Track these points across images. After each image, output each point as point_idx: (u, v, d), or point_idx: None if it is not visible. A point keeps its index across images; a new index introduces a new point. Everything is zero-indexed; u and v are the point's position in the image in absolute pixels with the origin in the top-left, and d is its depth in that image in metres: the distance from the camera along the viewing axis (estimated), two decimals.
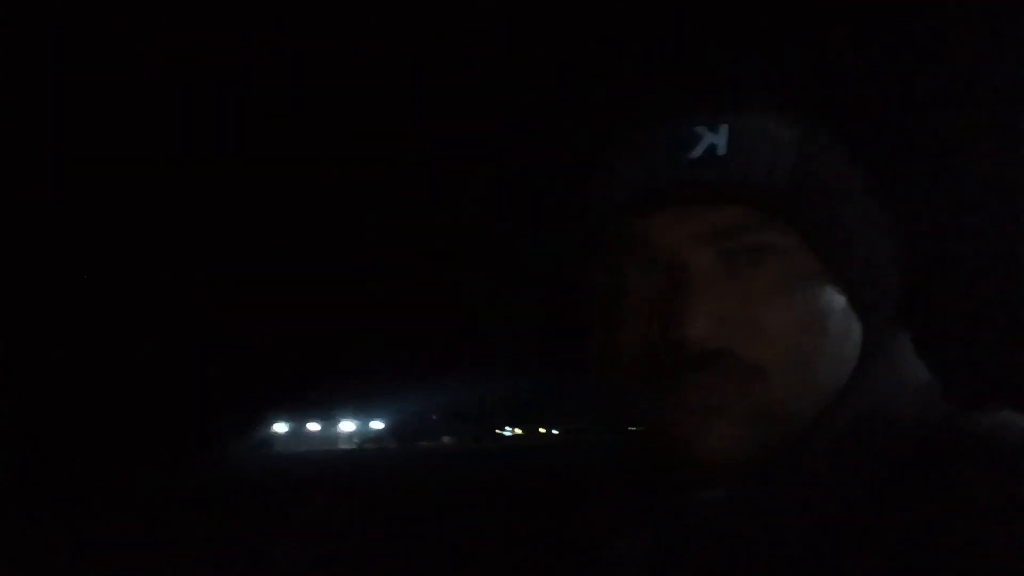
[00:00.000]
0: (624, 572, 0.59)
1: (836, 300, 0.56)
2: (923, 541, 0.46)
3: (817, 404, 0.55)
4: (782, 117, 0.58)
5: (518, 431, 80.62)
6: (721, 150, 0.55)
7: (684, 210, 0.55)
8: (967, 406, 0.55)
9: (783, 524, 0.52)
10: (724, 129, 0.56)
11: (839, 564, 0.49)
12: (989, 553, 0.44)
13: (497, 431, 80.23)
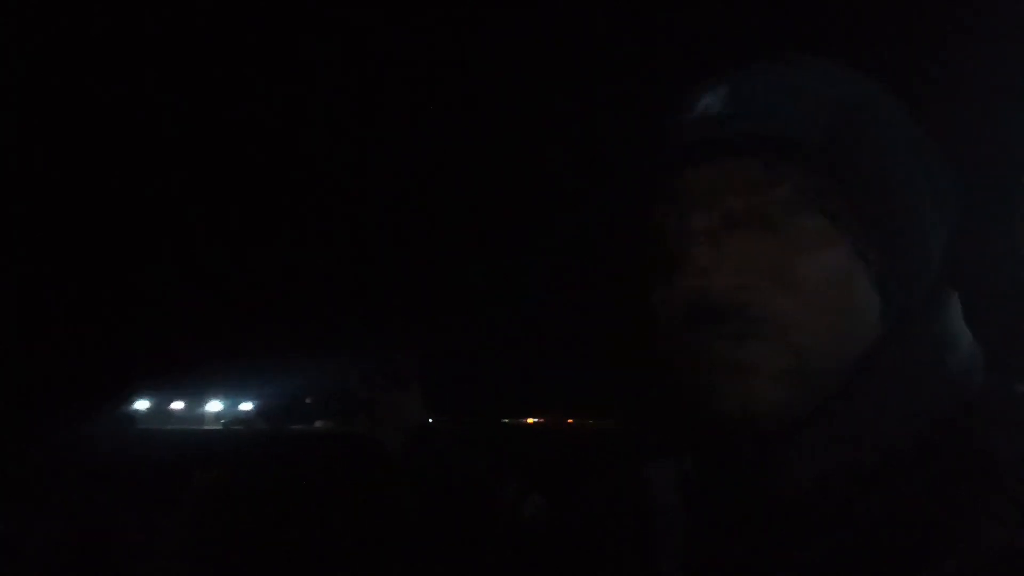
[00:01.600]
0: (663, 521, 0.60)
1: (869, 259, 0.55)
2: (957, 504, 0.48)
3: (846, 363, 0.54)
4: (821, 70, 0.58)
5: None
6: (757, 103, 0.56)
7: (719, 163, 0.56)
8: (1010, 376, 0.55)
9: (817, 481, 0.52)
10: (759, 82, 0.57)
11: (874, 523, 0.50)
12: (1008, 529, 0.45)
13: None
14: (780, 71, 0.58)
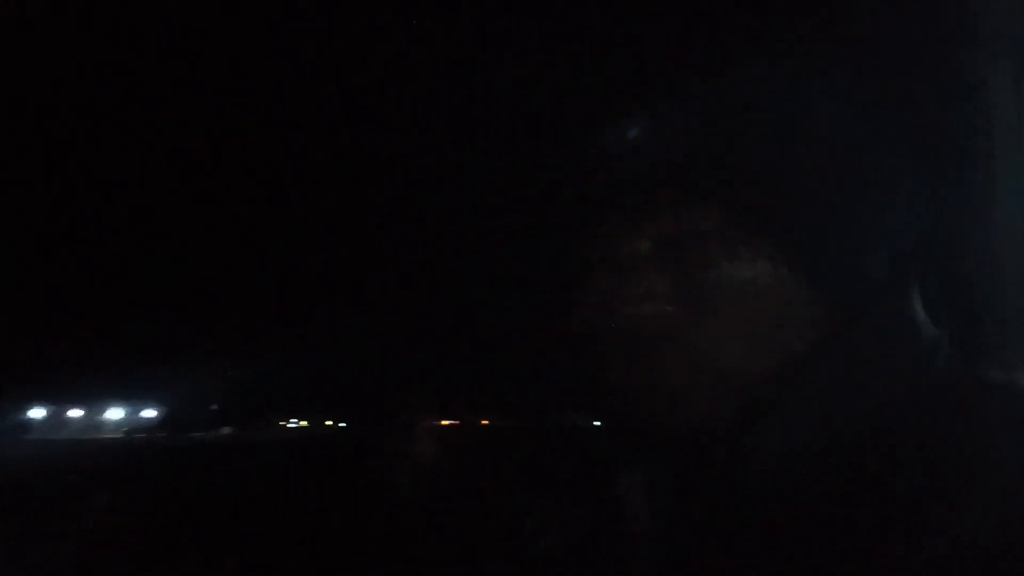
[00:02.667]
0: (622, 516, 0.62)
1: (790, 268, 0.57)
2: (928, 484, 0.49)
3: (783, 363, 0.56)
4: (706, 96, 0.59)
5: (303, 423, 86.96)
6: (647, 143, 0.59)
7: (625, 201, 0.59)
8: (976, 361, 0.58)
9: (782, 466, 0.54)
10: (649, 122, 0.60)
11: (845, 508, 0.51)
12: (995, 496, 0.47)
13: (281, 423, 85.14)
14: (690, 99, 0.60)
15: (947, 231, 0.63)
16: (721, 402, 0.56)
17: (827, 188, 0.60)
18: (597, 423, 0.73)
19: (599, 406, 0.68)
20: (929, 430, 0.53)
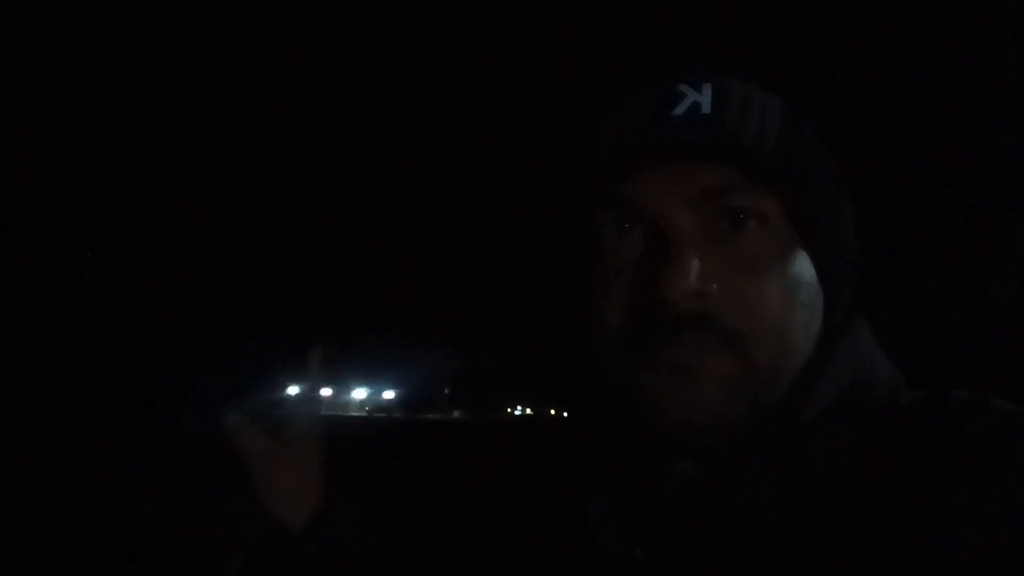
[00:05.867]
0: (598, 537, 0.58)
1: (808, 272, 0.56)
2: (900, 514, 0.47)
3: (788, 375, 0.55)
4: (764, 86, 0.58)
5: (528, 411, 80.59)
6: (705, 108, 0.55)
7: (667, 169, 0.55)
8: (928, 389, 0.55)
9: (760, 493, 0.52)
10: (707, 88, 0.56)
11: (817, 535, 0.49)
12: (963, 527, 0.45)
13: (508, 410, 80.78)
14: (727, 81, 0.57)
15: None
16: (716, 411, 0.53)
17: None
18: None
19: None
20: (903, 457, 0.50)
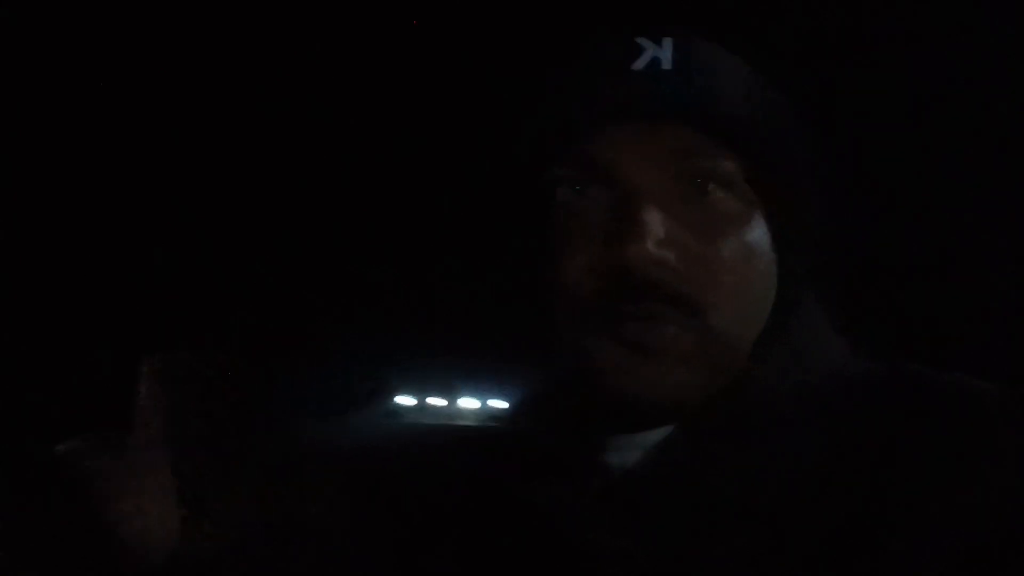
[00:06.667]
0: (551, 518, 0.55)
1: (767, 240, 0.53)
2: (864, 485, 0.47)
3: (745, 346, 0.53)
4: (732, 47, 0.54)
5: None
6: (666, 64, 0.52)
7: (625, 127, 0.51)
8: (878, 362, 0.55)
9: (721, 468, 0.51)
10: (668, 43, 0.52)
11: (780, 510, 0.48)
12: (921, 498, 0.46)
13: None
14: (690, 37, 0.54)
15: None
16: (676, 383, 0.51)
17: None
18: None
19: None
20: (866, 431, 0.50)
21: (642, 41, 0.53)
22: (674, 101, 0.52)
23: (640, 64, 0.52)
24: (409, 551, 0.58)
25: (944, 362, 0.55)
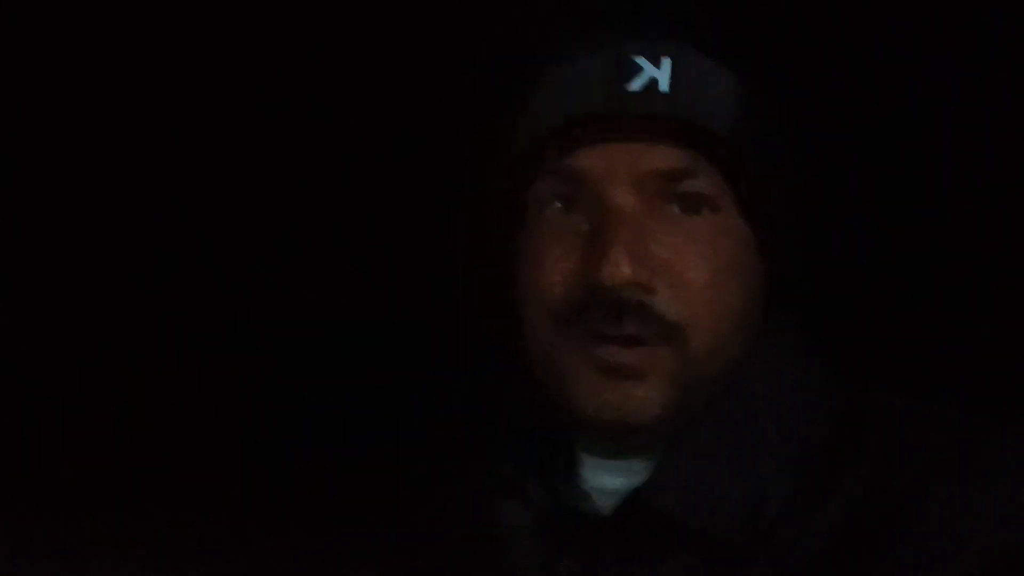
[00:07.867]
0: (517, 542, 0.54)
1: (754, 264, 0.53)
2: (848, 514, 0.47)
3: (725, 371, 0.52)
4: (724, 62, 0.54)
5: None
6: (663, 86, 0.51)
7: (616, 146, 0.51)
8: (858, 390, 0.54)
9: (698, 493, 0.50)
10: (667, 63, 0.51)
11: (765, 544, 0.48)
12: (907, 526, 0.45)
13: None
14: (688, 56, 0.53)
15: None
16: (652, 409, 0.49)
17: None
18: None
19: None
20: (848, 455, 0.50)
21: (639, 60, 0.52)
22: (668, 123, 0.51)
23: (637, 86, 0.52)
24: None
25: (928, 393, 0.55)
